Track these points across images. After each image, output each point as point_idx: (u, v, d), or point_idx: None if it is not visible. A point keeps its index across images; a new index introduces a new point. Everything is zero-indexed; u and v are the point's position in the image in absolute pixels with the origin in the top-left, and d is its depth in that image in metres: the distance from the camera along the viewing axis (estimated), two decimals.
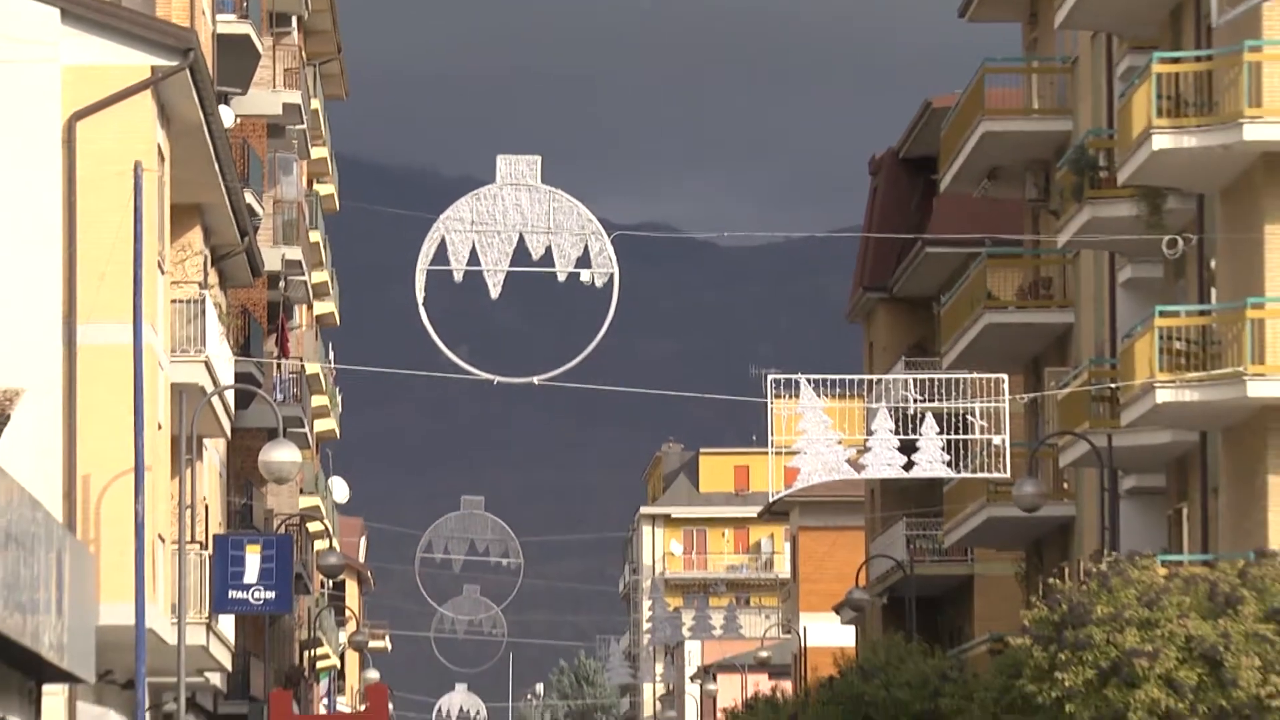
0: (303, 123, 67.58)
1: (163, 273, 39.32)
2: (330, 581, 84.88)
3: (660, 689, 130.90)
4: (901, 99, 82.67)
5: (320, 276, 77.89)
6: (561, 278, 36.75)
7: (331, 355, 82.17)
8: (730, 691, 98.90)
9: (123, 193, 36.03)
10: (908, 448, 41.19)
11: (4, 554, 24.52)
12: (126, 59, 36.67)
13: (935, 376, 44.30)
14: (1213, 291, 43.39)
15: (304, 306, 75.35)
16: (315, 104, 72.55)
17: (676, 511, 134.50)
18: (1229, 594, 34.46)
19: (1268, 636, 34.17)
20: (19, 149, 35.88)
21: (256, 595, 42.78)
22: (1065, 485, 54.49)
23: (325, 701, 79.12)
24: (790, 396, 41.79)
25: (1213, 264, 43.40)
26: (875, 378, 46.89)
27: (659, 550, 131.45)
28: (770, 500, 77.34)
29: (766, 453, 43.15)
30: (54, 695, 33.20)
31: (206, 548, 43.06)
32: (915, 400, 41.96)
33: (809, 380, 41.97)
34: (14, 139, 36.04)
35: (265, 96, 61.38)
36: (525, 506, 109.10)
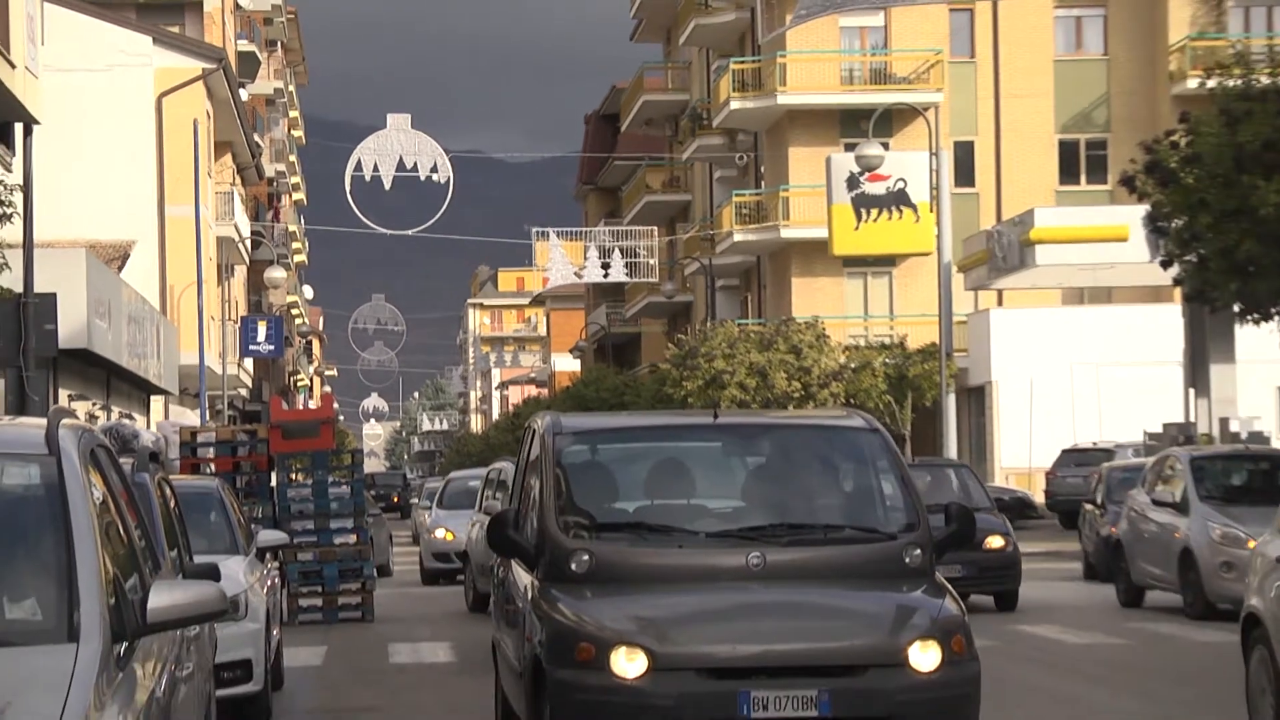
0: (284, 97, 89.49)
1: (210, 178, 53.89)
2: (303, 340, 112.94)
3: (478, 394, 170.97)
4: (598, 84, 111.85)
5: (296, 179, 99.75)
6: (422, 177, 56.33)
7: (301, 220, 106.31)
8: (515, 397, 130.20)
9: (187, 136, 48.45)
10: (605, 266, 62.48)
11: (130, 327, 34.85)
12: (188, 64, 50.73)
13: (620, 229, 64.85)
14: (762, 183, 62.12)
15: (287, 195, 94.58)
16: (290, 87, 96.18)
17: (486, 301, 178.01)
18: (769, 339, 49.30)
19: (789, 361, 48.55)
20: (132, 114, 48.84)
21: (264, 347, 62.72)
22: (687, 285, 72.51)
23: (300, 403, 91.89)
24: (545, 239, 62.71)
25: (762, 169, 62.45)
26: (588, 229, 69.41)
27: (477, 321, 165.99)
28: (537, 294, 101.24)
29: (535, 269, 62.34)
30: (157, 401, 46.27)
31: (237, 323, 62.28)
32: (609, 242, 62.93)
33: (555, 231, 63.19)
34: (129, 109, 48.70)
35: (263, 83, 79.39)
36: (405, 298, 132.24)
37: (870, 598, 10.78)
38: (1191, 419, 36.71)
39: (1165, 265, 27.95)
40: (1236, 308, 26.71)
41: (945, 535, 11.24)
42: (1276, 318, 26.02)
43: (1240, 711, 12.79)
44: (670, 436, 12.71)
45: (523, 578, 11.37)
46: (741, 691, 9.98)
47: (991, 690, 11.88)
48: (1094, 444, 44.59)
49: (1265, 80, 26.13)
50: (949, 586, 11.08)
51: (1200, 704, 15.54)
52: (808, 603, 10.64)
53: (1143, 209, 29.30)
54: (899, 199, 52.06)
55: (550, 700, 10.25)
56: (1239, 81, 26.12)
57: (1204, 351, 35.79)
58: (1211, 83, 26.94)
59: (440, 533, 34.80)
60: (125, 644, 6.90)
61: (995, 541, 23.95)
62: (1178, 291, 31.62)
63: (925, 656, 10.17)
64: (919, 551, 10.97)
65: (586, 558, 10.74)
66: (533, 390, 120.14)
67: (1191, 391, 37.06)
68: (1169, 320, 40.73)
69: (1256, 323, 26.87)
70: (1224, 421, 35.49)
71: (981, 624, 17.29)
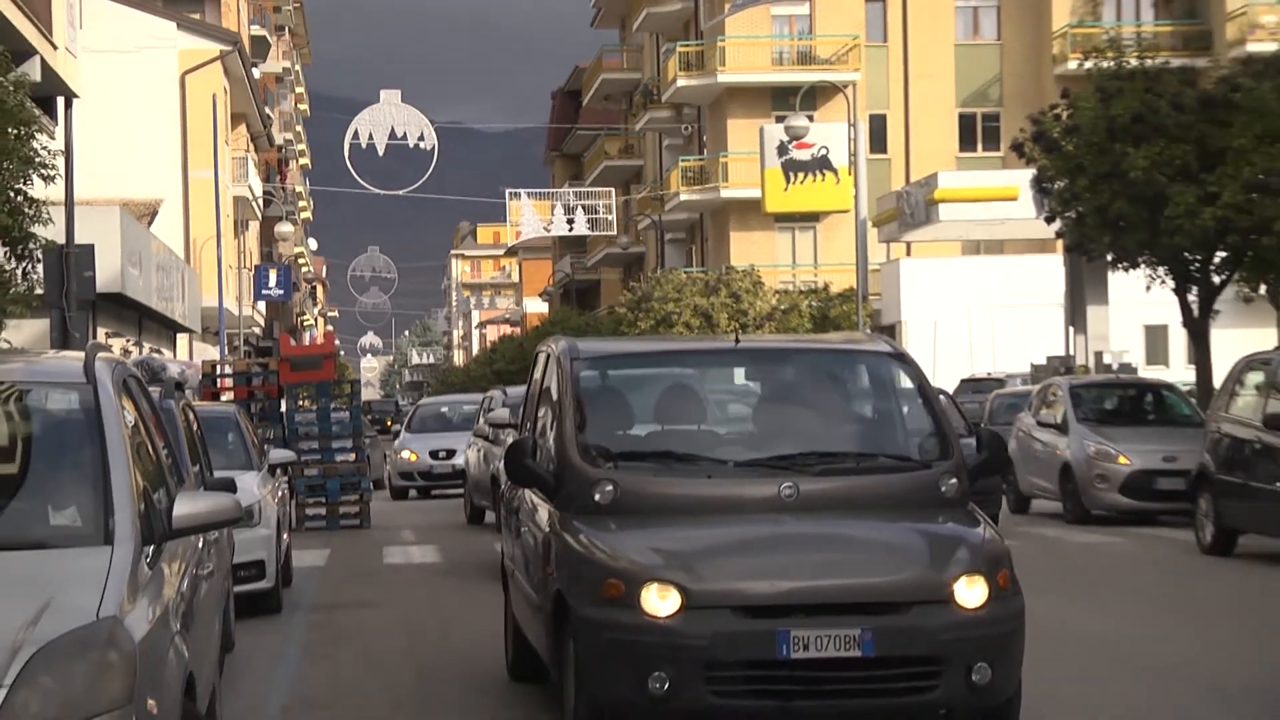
0: (291, 75, 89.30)
1: (227, 145, 54.18)
2: (308, 285, 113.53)
3: (460, 332, 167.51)
4: (563, 65, 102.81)
5: (301, 146, 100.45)
6: (411, 144, 55.87)
7: (306, 181, 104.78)
8: (492, 335, 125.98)
9: (207, 109, 49.50)
10: (570, 221, 63.62)
11: (158, 274, 36.02)
12: (207, 46, 50.91)
13: (582, 190, 65.57)
14: (705, 150, 61.63)
15: (294, 160, 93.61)
16: (297, 67, 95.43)
17: (466, 252, 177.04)
18: (712, 285, 49.33)
19: (729, 304, 48.11)
20: (159, 90, 48.88)
21: (274, 291, 63.07)
22: (640, 238, 72.00)
23: (306, 340, 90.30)
24: (518, 199, 63.10)
25: (704, 138, 62.29)
26: (554, 190, 71.14)
27: (459, 270, 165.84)
28: (510, 246, 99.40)
29: (509, 224, 63.25)
30: (182, 338, 46.65)
31: (251, 270, 63.40)
32: (572, 201, 63.32)
33: (526, 192, 63.53)
34: (156, 85, 48.67)
35: (273, 63, 78.60)
36: (397, 250, 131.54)
37: (911, 530, 9.11)
38: (1071, 353, 36.91)
39: (1049, 221, 28.02)
40: (1109, 257, 26.81)
41: (978, 463, 9.66)
42: (1143, 266, 26.12)
43: (1109, 597, 12.79)
44: (691, 362, 10.93)
45: (540, 507, 9.83)
46: (780, 630, 8.34)
47: None
48: (988, 374, 44.75)
49: (1134, 62, 26.26)
50: (985, 517, 9.45)
51: (1078, 591, 15.56)
52: (847, 535, 9.02)
53: (1030, 173, 29.35)
54: (822, 164, 52.99)
55: (575, 639, 8.67)
56: (1112, 63, 26.21)
57: (1081, 295, 35.99)
58: (1089, 64, 27.03)
59: (405, 454, 34.39)
60: (154, 547, 6.90)
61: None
62: (1060, 244, 31.77)
63: (971, 592, 8.58)
64: (954, 480, 9.36)
65: (610, 488, 9.13)
66: (507, 329, 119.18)
67: (1071, 329, 37.23)
68: (1052, 268, 41.02)
69: (1126, 270, 26.97)
70: (1098, 355, 35.75)
71: None
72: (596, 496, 9.15)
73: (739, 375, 11.02)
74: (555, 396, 10.00)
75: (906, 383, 10.05)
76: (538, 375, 11.08)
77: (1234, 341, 28.37)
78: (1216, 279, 25.65)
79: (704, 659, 8.31)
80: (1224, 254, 25.09)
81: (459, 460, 32.57)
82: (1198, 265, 25.51)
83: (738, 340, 10.62)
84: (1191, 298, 25.96)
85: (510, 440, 11.56)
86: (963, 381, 45.58)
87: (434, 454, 33.79)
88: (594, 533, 8.96)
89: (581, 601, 8.65)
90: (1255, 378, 18.92)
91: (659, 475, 9.35)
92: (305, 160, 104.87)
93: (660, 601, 8.41)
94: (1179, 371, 42.16)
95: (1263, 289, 25.33)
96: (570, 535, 9.04)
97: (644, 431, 10.13)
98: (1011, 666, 8.69)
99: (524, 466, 9.67)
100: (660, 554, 8.68)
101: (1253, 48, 42.79)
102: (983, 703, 8.58)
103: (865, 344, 11.11)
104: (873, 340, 11.06)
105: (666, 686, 8.30)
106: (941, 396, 11.19)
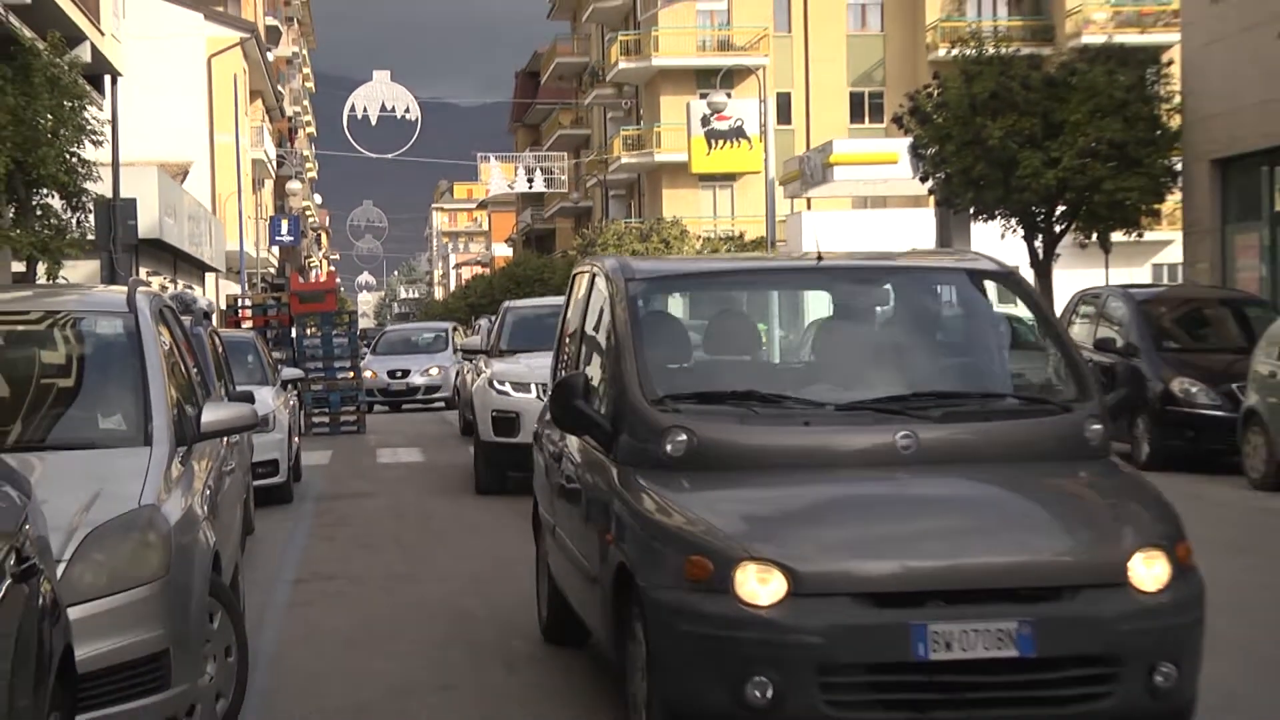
0: (299, 58, 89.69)
1: (246, 116, 52.68)
2: (314, 232, 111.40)
3: (440, 272, 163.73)
4: (524, 49, 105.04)
5: (308, 117, 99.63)
6: (399, 116, 57.31)
7: (312, 146, 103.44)
8: (466, 275, 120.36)
9: (229, 86, 48.60)
10: (530, 180, 63.07)
11: (190, 223, 36.00)
12: (229, 34, 50.92)
13: (540, 154, 66.09)
14: (641, 121, 59.80)
15: (302, 129, 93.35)
16: (304, 51, 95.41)
17: (445, 206, 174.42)
18: (646, 233, 47.62)
19: (660, 249, 45.34)
20: (189, 69, 48.34)
21: (286, 238, 62.81)
22: (588, 194, 70.12)
23: (312, 278, 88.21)
24: (488, 162, 63.08)
25: (641, 111, 60.21)
26: (517, 154, 71.24)
27: (438, 220, 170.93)
28: (481, 201, 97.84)
29: (480, 182, 62.91)
30: (210, 276, 45.65)
31: (266, 220, 63.10)
32: (532, 164, 63.02)
33: (494, 156, 63.61)
34: (187, 65, 48.10)
35: (285, 48, 78.04)
36: (387, 203, 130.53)
37: (1067, 491, 6.15)
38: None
39: (923, 180, 27.90)
40: (971, 211, 26.79)
41: (1116, 402, 6.57)
42: (999, 217, 26.17)
43: None
44: (766, 283, 7.90)
45: (592, 456, 6.76)
46: (915, 624, 5.43)
47: None
48: None
49: (991, 50, 26.21)
50: (1137, 472, 6.54)
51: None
52: (990, 498, 6.05)
53: (908, 141, 29.19)
54: (738, 133, 52.67)
55: (647, 629, 5.76)
56: (973, 51, 26.15)
57: (949, 241, 35.51)
58: (955, 52, 26.85)
59: (366, 374, 33.05)
60: (185, 447, 6.89)
61: None
62: (931, 199, 31.69)
63: (1151, 571, 5.63)
64: (1098, 426, 6.34)
65: (684, 438, 6.13)
66: (479, 269, 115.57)
67: None
68: (925, 220, 40.74)
69: (985, 221, 26.94)
70: None
71: None
72: (667, 448, 6.16)
73: (821, 299, 7.68)
74: (606, 326, 6.97)
75: (1023, 305, 7.01)
76: (579, 298, 7.97)
77: (1071, 280, 28.45)
78: (1057, 228, 25.68)
79: (818, 660, 5.44)
80: (1063, 208, 25.14)
81: (414, 379, 32.45)
82: (1042, 217, 25.56)
83: (820, 257, 7.22)
84: (1037, 244, 26.00)
85: (556, 376, 8.24)
86: None
87: (391, 374, 33.05)
88: (667, 493, 6.02)
89: (655, 582, 5.73)
90: (1087, 309, 18.96)
91: (746, 423, 6.22)
92: (311, 129, 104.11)
93: (761, 586, 5.49)
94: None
95: (1094, 236, 25.45)
96: (636, 495, 6.11)
97: (719, 367, 7.03)
98: (1196, 663, 5.76)
99: (575, 410, 6.56)
100: (756, 523, 5.73)
101: (1086, 39, 42.36)
102: (1164, 710, 5.65)
103: (967, 260, 7.55)
104: (974, 256, 7.57)
105: (770, 694, 5.45)
106: None
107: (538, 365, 14.60)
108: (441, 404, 32.69)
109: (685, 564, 5.62)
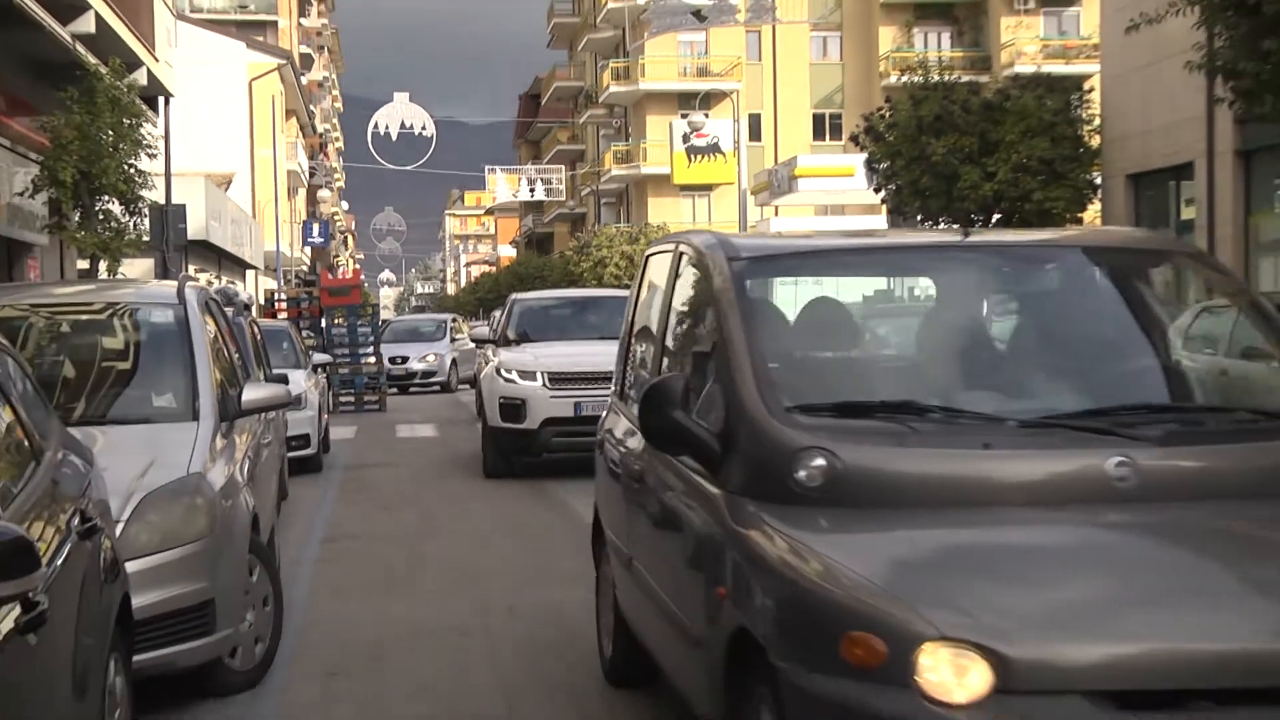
0: (329, 82, 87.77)
1: (282, 133, 51.36)
2: (342, 235, 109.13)
3: (452, 270, 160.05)
4: (527, 75, 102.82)
5: (337, 134, 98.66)
6: (416, 133, 53.63)
7: (340, 160, 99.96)
8: (475, 272, 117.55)
9: (268, 106, 47.84)
10: (532, 190, 62.72)
11: (233, 226, 36.09)
12: (268, 60, 49.24)
13: (541, 167, 65.31)
14: (629, 138, 59.06)
15: (332, 144, 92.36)
16: (333, 75, 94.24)
17: (457, 212, 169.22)
18: (634, 236, 46.16)
19: (630, 251, 44.72)
20: (233, 92, 47.72)
21: (317, 239, 62.42)
22: (583, 202, 68.35)
23: (340, 275, 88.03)
24: (495, 173, 62.49)
25: (630, 129, 59.42)
26: (521, 167, 70.17)
27: (451, 224, 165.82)
28: (489, 207, 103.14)
29: (488, 191, 62.25)
30: (250, 273, 44.64)
31: (300, 224, 62.40)
32: (534, 175, 62.32)
33: (500, 168, 63.13)
34: (231, 88, 47.55)
35: (317, 73, 77.77)
36: (406, 209, 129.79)
37: None
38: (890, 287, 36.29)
39: (876, 191, 27.81)
40: (919, 218, 26.81)
41: None
42: (942, 224, 26.15)
43: None
44: (904, 265, 5.46)
45: (692, 480, 4.43)
46: None
47: None
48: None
49: (935, 78, 26.19)
50: None
51: None
52: (1264, 553, 3.67)
53: (863, 156, 29.13)
54: (715, 149, 52.33)
55: None
56: (920, 78, 26.15)
57: None
58: (904, 79, 26.90)
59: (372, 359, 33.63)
60: (228, 423, 6.90)
61: None
62: (884, 208, 31.70)
63: None
64: None
65: (822, 462, 3.88)
66: (486, 268, 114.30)
67: None
68: (879, 226, 40.75)
69: (930, 228, 27.00)
70: (910, 289, 34.99)
71: None
72: (800, 475, 3.92)
73: (976, 285, 4.95)
74: (704, 318, 4.75)
75: (1218, 293, 5.11)
76: (658, 284, 5.59)
77: None
78: None
79: None
80: (999, 216, 25.14)
81: (412, 365, 32.15)
82: (981, 224, 25.63)
83: (967, 234, 5.34)
84: None
85: (644, 380, 5.42)
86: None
87: (392, 360, 32.24)
88: (804, 537, 3.77)
89: (800, 662, 3.53)
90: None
91: (904, 443, 3.94)
92: (339, 143, 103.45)
93: (956, 678, 3.27)
94: None
95: None
96: (760, 539, 3.89)
97: (859, 371, 4.73)
98: None
99: (673, 423, 4.27)
100: (938, 586, 3.47)
101: (1019, 69, 42.32)
102: None
103: (1143, 239, 5.35)
104: (1148, 236, 5.46)
105: None
106: None
107: (543, 354, 14.36)
108: (437, 387, 32.30)
109: (843, 641, 3.41)
